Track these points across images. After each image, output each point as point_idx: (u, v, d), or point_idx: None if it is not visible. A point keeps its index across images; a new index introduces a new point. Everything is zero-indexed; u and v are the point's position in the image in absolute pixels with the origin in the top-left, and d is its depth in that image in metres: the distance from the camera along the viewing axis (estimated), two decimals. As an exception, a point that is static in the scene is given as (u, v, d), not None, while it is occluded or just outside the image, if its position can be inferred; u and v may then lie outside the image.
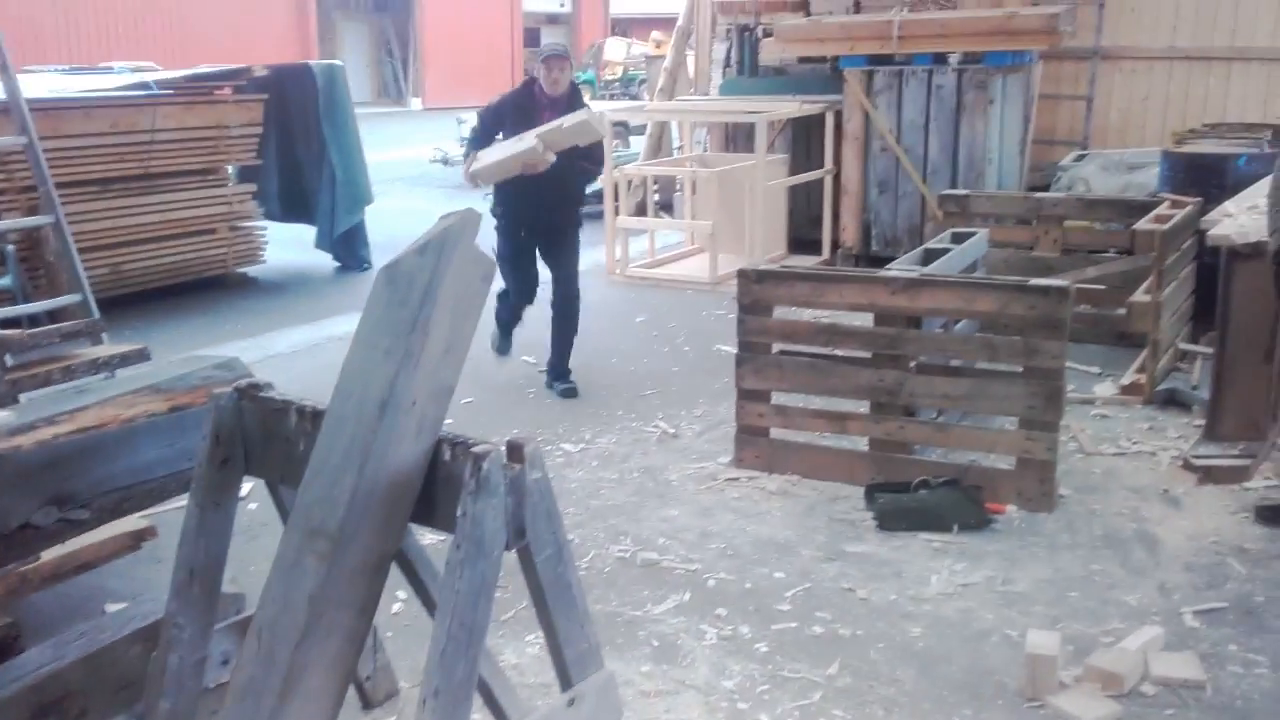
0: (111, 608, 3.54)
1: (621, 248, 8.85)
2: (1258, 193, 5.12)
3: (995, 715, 3.04)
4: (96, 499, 2.99)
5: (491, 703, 2.56)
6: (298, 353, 6.85)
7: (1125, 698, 3.08)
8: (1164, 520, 4.21)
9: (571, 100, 5.73)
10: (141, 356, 4.01)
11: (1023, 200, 7.15)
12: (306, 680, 2.23)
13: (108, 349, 4.09)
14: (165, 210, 8.15)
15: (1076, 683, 3.14)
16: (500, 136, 5.80)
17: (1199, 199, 5.98)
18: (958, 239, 5.75)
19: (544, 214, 5.73)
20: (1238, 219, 4.89)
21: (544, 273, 6.09)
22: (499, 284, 5.94)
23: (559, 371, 6.04)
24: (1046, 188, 8.12)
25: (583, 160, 5.69)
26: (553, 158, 5.36)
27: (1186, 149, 7.05)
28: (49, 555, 3.26)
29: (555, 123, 5.35)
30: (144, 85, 8.33)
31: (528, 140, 5.36)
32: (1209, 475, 4.52)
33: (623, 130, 13.29)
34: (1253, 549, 3.95)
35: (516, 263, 5.88)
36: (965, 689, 3.16)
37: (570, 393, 5.91)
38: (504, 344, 6.37)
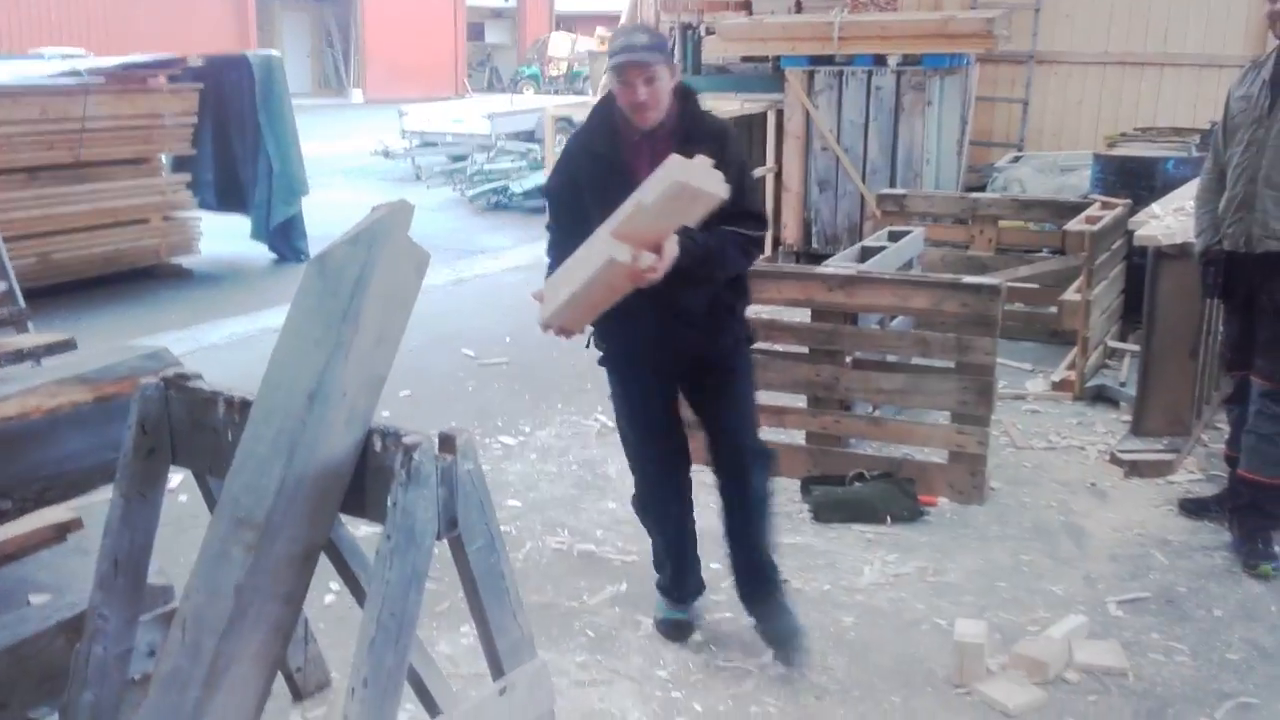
0: (36, 599, 3.47)
1: (563, 243, 8.83)
2: (1184, 195, 5.25)
3: (924, 702, 3.09)
4: (19, 489, 2.93)
5: (422, 692, 2.55)
6: (233, 344, 6.75)
7: (1050, 684, 3.14)
8: (1091, 513, 4.30)
9: (690, 133, 3.01)
10: (67, 346, 3.93)
11: (959, 200, 7.26)
12: (233, 671, 2.20)
13: (33, 338, 4.00)
14: (96, 199, 8.00)
15: (1003, 670, 3.20)
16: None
17: (1129, 201, 6.11)
18: (894, 237, 5.83)
19: (679, 336, 3.17)
20: (1164, 220, 5.00)
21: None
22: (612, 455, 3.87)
23: (752, 586, 3.38)
24: (983, 188, 8.25)
25: (729, 224, 3.00)
26: (657, 260, 2.79)
27: (1117, 152, 7.21)
28: (-30, 547, 3.18)
29: (632, 200, 2.73)
30: (74, 73, 8.15)
31: (598, 245, 2.81)
32: (1135, 469, 4.63)
33: (567, 125, 13.29)
34: (1176, 541, 4.05)
35: (642, 421, 3.34)
36: (895, 676, 3.20)
37: (789, 638, 3.29)
38: (673, 619, 3.46)
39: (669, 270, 2.82)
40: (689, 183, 2.64)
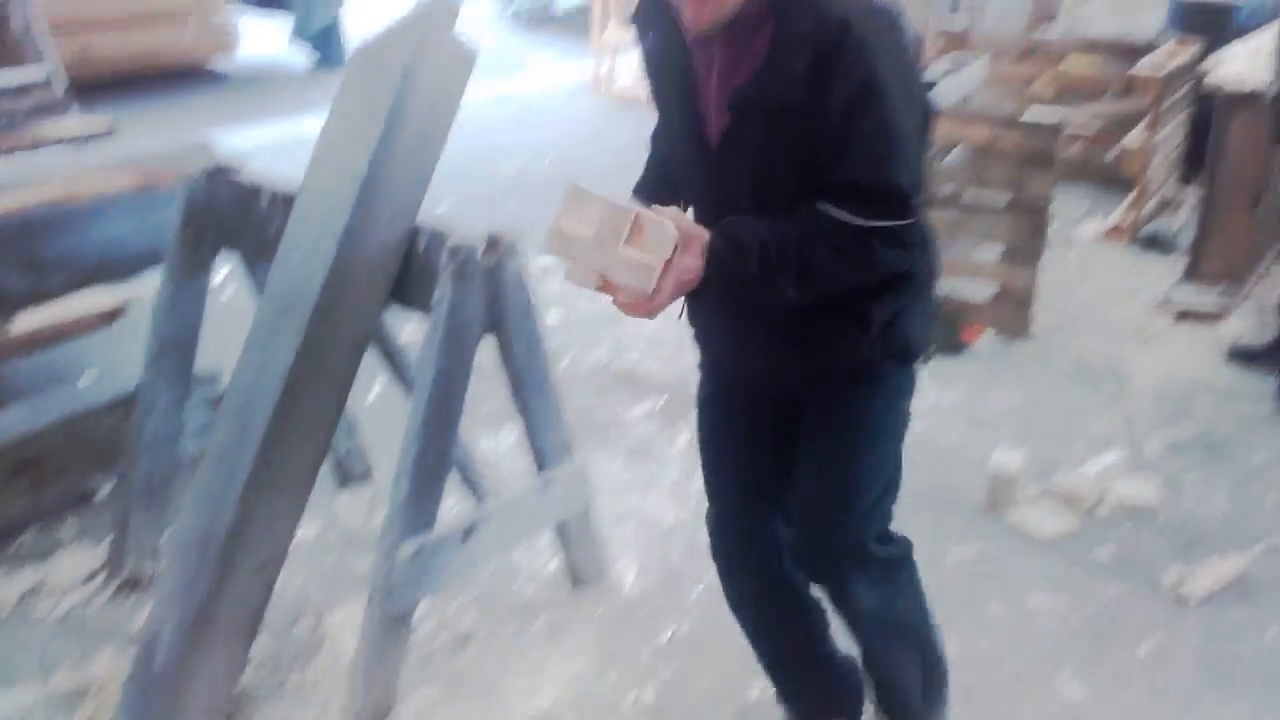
0: (86, 380, 3.54)
1: (608, 65, 8.57)
2: (1265, 35, 5.00)
3: (953, 524, 3.12)
4: (67, 267, 2.95)
5: (467, 479, 2.59)
6: (271, 148, 6.67)
7: (1083, 516, 3.16)
8: (1136, 357, 4.24)
9: (782, 28, 1.61)
10: (108, 132, 3.90)
11: (1023, 37, 6.96)
12: (281, 450, 2.24)
13: (75, 122, 3.95)
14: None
15: (1035, 501, 3.22)
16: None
17: (1201, 44, 5.84)
18: (955, 68, 5.61)
19: (759, 352, 1.92)
20: (1237, 65, 4.78)
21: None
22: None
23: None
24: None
25: (832, 201, 1.63)
26: (653, 287, 1.58)
27: (1195, -7, 6.85)
28: (23, 326, 3.24)
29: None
30: None
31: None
32: (1185, 315, 4.55)
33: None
34: (1221, 387, 4.00)
35: (717, 450, 2.11)
36: (926, 499, 3.21)
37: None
38: None
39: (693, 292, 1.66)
40: (575, 258, 1.61)
